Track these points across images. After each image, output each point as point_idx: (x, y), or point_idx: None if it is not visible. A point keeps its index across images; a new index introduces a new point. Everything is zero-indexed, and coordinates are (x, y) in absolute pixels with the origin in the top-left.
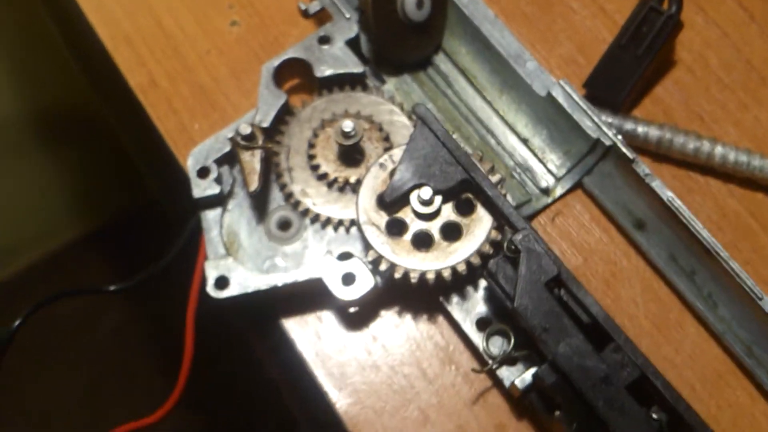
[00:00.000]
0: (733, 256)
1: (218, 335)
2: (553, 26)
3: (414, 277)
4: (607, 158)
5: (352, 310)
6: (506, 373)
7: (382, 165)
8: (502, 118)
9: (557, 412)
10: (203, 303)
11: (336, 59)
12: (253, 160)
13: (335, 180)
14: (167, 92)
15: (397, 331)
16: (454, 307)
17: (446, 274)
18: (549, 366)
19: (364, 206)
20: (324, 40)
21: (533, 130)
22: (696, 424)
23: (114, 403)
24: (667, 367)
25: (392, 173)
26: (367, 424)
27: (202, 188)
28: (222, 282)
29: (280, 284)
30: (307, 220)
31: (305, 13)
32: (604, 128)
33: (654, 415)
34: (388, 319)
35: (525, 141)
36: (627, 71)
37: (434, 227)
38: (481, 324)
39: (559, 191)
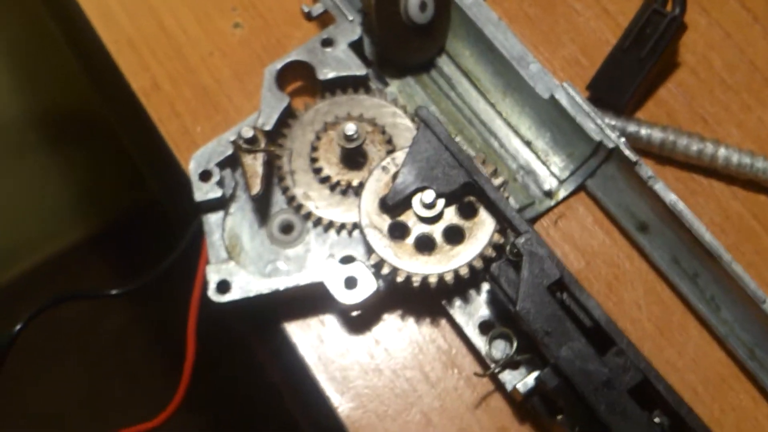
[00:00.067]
0: (736, 258)
1: (220, 339)
2: (556, 28)
3: (416, 281)
4: (610, 161)
5: (354, 313)
6: (508, 377)
7: (384, 168)
8: (505, 120)
9: (559, 416)
10: (205, 307)
11: (339, 62)
12: (255, 164)
13: (338, 183)
14: (170, 95)
15: (399, 335)
16: (457, 310)
17: (449, 277)
18: (551, 370)
19: (367, 209)
20: (327, 42)
21: (536, 133)
22: (699, 428)
23: (116, 406)
24: (669, 370)
25: (395, 176)
26: (370, 428)
27: (204, 191)
28: (224, 286)
29: (282, 288)
30: (310, 224)
31: (308, 16)
32: (607, 131)
33: (656, 419)
34: (391, 322)
35: (528, 143)
36: (630, 73)
37: (437, 231)
38: (484, 327)
39: (562, 194)
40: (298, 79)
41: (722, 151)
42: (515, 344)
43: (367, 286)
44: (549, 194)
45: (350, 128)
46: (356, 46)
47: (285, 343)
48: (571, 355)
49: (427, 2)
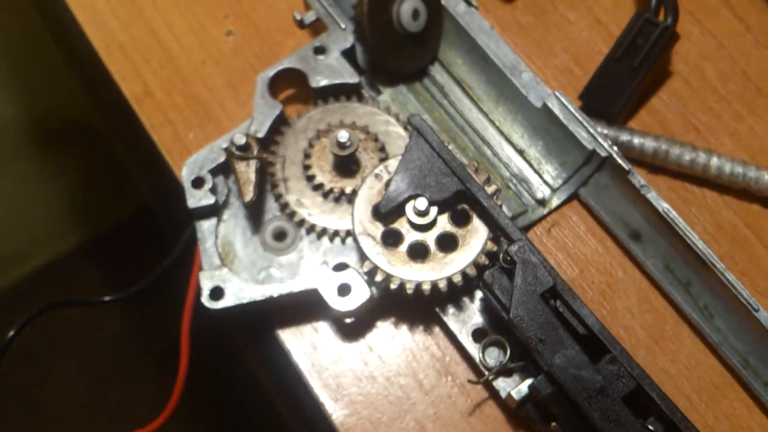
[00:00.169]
0: (729, 267)
1: (214, 346)
2: (548, 37)
3: (410, 288)
4: (603, 169)
5: (347, 320)
6: (502, 384)
7: (377, 176)
8: (497, 128)
9: (553, 424)
10: (199, 313)
11: (331, 69)
12: (248, 171)
13: (331, 190)
14: (162, 102)
15: (393, 342)
16: (450, 318)
17: (442, 285)
18: (545, 377)
19: (360, 217)
20: (319, 50)
21: (529, 141)
22: None
23: (111, 412)
24: (663, 378)
25: (388, 184)
26: None
27: (197, 198)
28: (217, 293)
29: (275, 295)
30: (303, 231)
31: (301, 24)
32: (600, 139)
33: (650, 427)
34: (384, 329)
35: (521, 152)
36: (623, 83)
37: (430, 238)
38: (477, 335)
39: (555, 202)
40: (291, 86)
41: (715, 161)
42: (509, 352)
43: (361, 293)
44: (542, 202)
45: (343, 136)
46: (349, 54)
47: (278, 350)
48: (564, 363)
49: (420, 11)
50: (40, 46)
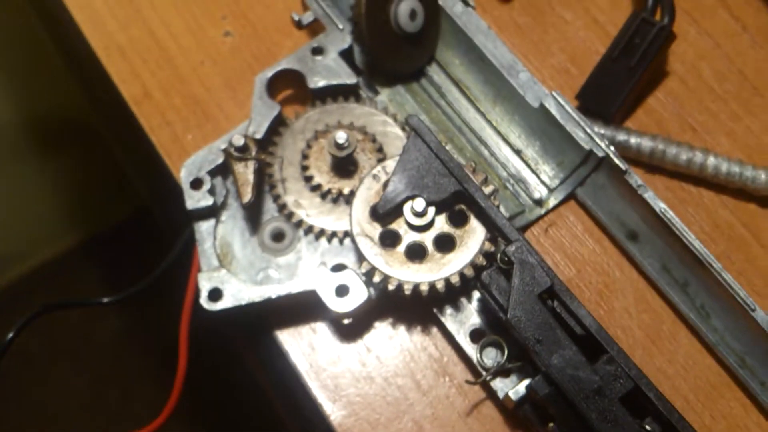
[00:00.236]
0: (726, 267)
1: (213, 347)
2: (545, 37)
3: (407, 289)
4: (600, 169)
5: (345, 321)
6: (500, 385)
7: (375, 176)
8: (495, 129)
9: (551, 424)
10: (198, 314)
11: (329, 70)
12: (246, 172)
13: (329, 191)
14: (160, 103)
15: (391, 343)
16: (448, 318)
17: (440, 285)
18: (542, 378)
19: (358, 218)
20: (317, 51)
21: (526, 141)
22: None
23: (110, 413)
24: (660, 378)
25: (385, 184)
26: None
27: (196, 199)
28: (215, 294)
29: (273, 296)
30: (301, 232)
31: (298, 24)
32: (597, 139)
33: (647, 427)
34: (382, 330)
35: (518, 152)
36: (619, 82)
37: (428, 239)
38: (475, 335)
39: (552, 202)
40: (289, 87)
41: (711, 160)
42: (506, 352)
43: (359, 294)
44: (539, 203)
45: (341, 136)
46: (346, 55)
47: (277, 351)
48: (562, 363)
49: (417, 11)
50: (39, 47)
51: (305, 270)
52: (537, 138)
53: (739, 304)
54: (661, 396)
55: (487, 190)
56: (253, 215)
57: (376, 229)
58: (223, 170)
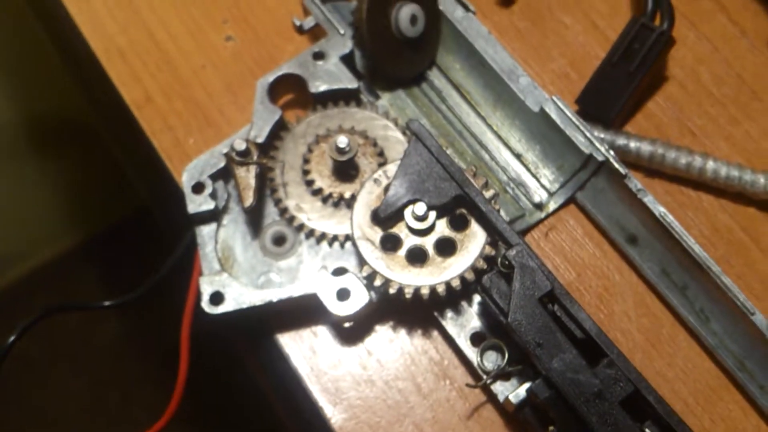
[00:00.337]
0: (725, 270)
1: (214, 350)
2: (545, 42)
3: (408, 293)
4: (599, 173)
5: (346, 325)
6: (500, 388)
7: (376, 180)
8: (495, 133)
9: (551, 427)
10: (199, 318)
11: (330, 75)
12: (248, 176)
13: (330, 195)
14: (162, 108)
15: (391, 346)
16: (449, 322)
17: (440, 289)
18: (543, 381)
19: (359, 221)
20: (318, 55)
21: (526, 146)
22: None
23: (111, 416)
24: (660, 381)
25: (386, 189)
26: None
27: (197, 203)
28: (217, 298)
29: (275, 299)
30: (302, 235)
31: (300, 29)
32: (597, 144)
33: (647, 430)
34: (383, 334)
35: (518, 156)
36: (619, 87)
37: (428, 243)
38: (476, 339)
39: (552, 206)
40: (290, 92)
41: (711, 164)
42: (507, 356)
43: (360, 297)
44: (539, 206)
45: (342, 141)
46: (347, 60)
47: (278, 355)
48: (562, 367)
49: (418, 16)
50: (38, 46)
51: (306, 274)
52: (537, 142)
53: (738, 308)
54: (661, 399)
55: (488, 194)
56: (254, 219)
57: (377, 233)
58: (224, 174)
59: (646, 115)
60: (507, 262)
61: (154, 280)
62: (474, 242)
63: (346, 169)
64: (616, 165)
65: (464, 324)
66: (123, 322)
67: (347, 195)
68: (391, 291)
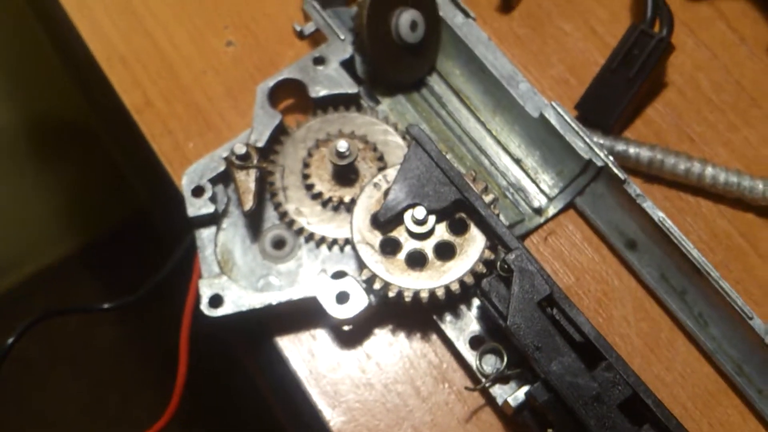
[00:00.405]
0: (724, 275)
1: (214, 353)
2: (545, 48)
3: (408, 296)
4: (599, 179)
5: (346, 328)
6: (499, 391)
7: (376, 185)
8: (495, 138)
9: (550, 430)
10: (199, 320)
11: (331, 80)
12: (247, 180)
13: (330, 199)
14: (162, 112)
15: (390, 350)
16: (448, 325)
17: (440, 293)
18: (541, 384)
19: (359, 225)
20: (319, 60)
21: (526, 151)
22: None
23: (110, 418)
24: (658, 385)
25: (386, 193)
26: None
27: (197, 207)
28: (216, 300)
29: (274, 303)
30: (302, 239)
31: (300, 35)
32: (596, 149)
33: None
34: (382, 337)
35: (518, 161)
36: (618, 93)
37: (428, 246)
38: (475, 342)
39: (551, 211)
40: (290, 96)
41: (709, 170)
42: (506, 359)
43: (359, 301)
44: (539, 211)
45: (342, 145)
46: (348, 65)
47: (277, 358)
48: (561, 370)
49: (418, 22)
50: (38, 49)
51: (306, 277)
52: (537, 147)
53: (736, 313)
54: (660, 403)
55: (487, 198)
56: (254, 223)
57: (376, 237)
58: (224, 178)
59: (645, 121)
60: (506, 266)
61: (153, 282)
62: (473, 246)
63: (345, 174)
64: (615, 170)
65: (463, 327)
66: (123, 324)
67: (347, 199)
68: (391, 294)
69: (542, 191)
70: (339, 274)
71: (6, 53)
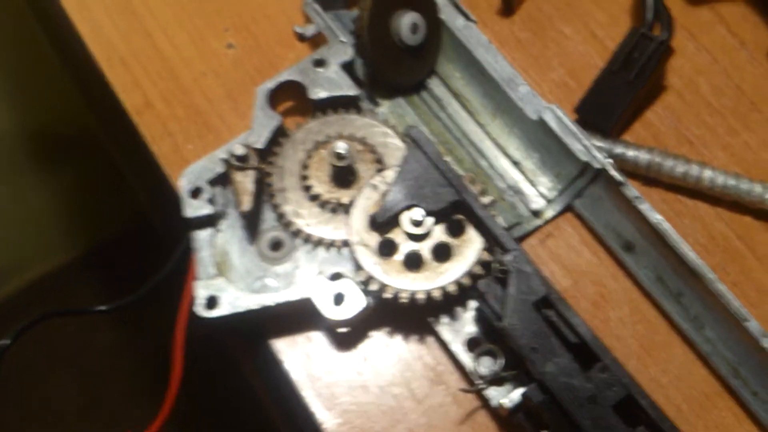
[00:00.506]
0: (721, 278)
1: (210, 354)
2: (545, 51)
3: (404, 298)
4: (597, 181)
5: (342, 330)
6: (494, 393)
7: (374, 186)
8: (494, 141)
9: None
10: (195, 322)
11: (331, 82)
12: (246, 181)
13: (328, 201)
14: (162, 114)
15: (386, 352)
16: (444, 327)
17: (436, 294)
18: (537, 385)
19: (356, 227)
20: (319, 62)
21: (525, 153)
22: None
23: (106, 421)
24: (653, 387)
25: (384, 194)
26: None
27: (195, 208)
28: (212, 301)
29: (270, 304)
30: (299, 241)
31: (301, 37)
32: (595, 152)
33: None
34: (378, 339)
35: (516, 164)
36: (618, 96)
37: (425, 248)
38: (471, 344)
39: (549, 213)
40: (290, 98)
41: (707, 173)
42: (501, 361)
43: (356, 302)
44: (537, 214)
45: (341, 146)
46: (348, 67)
47: (273, 359)
48: (556, 371)
49: (419, 25)
50: (41, 58)
51: (303, 278)
52: (535, 150)
53: (732, 315)
54: (654, 405)
55: (485, 200)
56: (251, 224)
57: (374, 239)
58: (222, 179)
59: (645, 124)
60: (503, 268)
61: (150, 284)
62: (471, 248)
63: (344, 175)
64: (614, 173)
65: (459, 329)
66: (121, 326)
67: (345, 201)
68: (388, 296)
69: (540, 194)
70: (336, 276)
71: (6, 54)
